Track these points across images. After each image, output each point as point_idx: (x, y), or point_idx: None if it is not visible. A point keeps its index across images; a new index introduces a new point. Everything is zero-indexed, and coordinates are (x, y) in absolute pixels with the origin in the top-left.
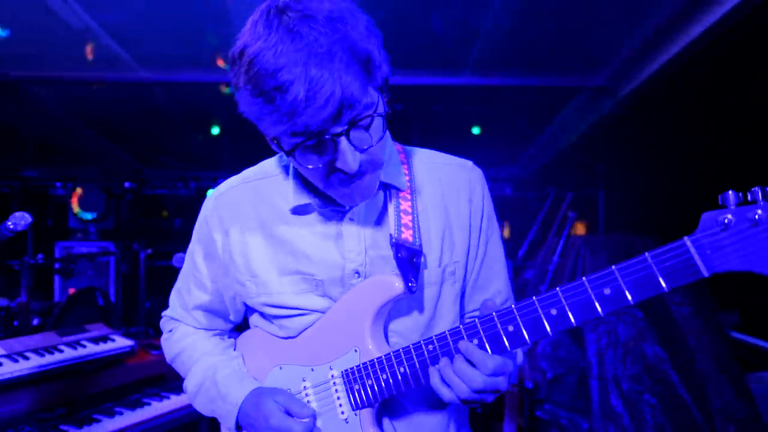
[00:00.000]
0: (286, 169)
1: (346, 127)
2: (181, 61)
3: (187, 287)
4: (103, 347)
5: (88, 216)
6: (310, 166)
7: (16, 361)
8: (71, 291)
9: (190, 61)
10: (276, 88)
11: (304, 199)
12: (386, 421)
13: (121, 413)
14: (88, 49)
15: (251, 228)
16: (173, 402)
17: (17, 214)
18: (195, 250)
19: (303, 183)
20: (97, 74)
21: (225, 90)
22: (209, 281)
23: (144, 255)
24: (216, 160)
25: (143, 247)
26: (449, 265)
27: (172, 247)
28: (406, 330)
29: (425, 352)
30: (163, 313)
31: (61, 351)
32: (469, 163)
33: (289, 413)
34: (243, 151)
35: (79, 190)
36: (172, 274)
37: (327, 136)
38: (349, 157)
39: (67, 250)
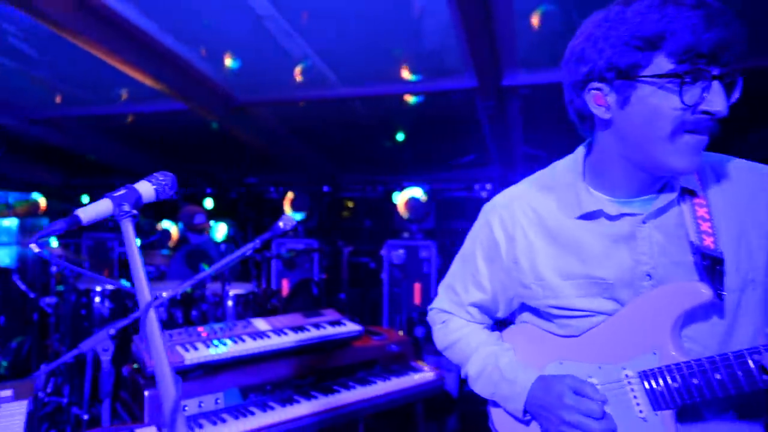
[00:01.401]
0: (566, 178)
1: (725, 71)
2: (375, 75)
3: (464, 286)
4: (338, 330)
5: (298, 216)
6: (687, 100)
7: (279, 335)
8: (284, 281)
9: (381, 75)
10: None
11: (593, 206)
12: (679, 427)
13: (354, 387)
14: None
15: (536, 233)
16: (393, 383)
17: (286, 216)
18: (475, 252)
19: (588, 190)
20: (308, 93)
21: (409, 100)
22: (488, 282)
23: (347, 251)
24: (398, 164)
25: (346, 244)
26: (748, 271)
27: (363, 245)
28: (702, 336)
29: (749, 361)
30: (431, 306)
31: (308, 330)
32: (765, 166)
33: (579, 394)
34: (422, 156)
35: (290, 194)
36: (360, 269)
37: (708, 73)
38: (721, 98)
39: (282, 246)
